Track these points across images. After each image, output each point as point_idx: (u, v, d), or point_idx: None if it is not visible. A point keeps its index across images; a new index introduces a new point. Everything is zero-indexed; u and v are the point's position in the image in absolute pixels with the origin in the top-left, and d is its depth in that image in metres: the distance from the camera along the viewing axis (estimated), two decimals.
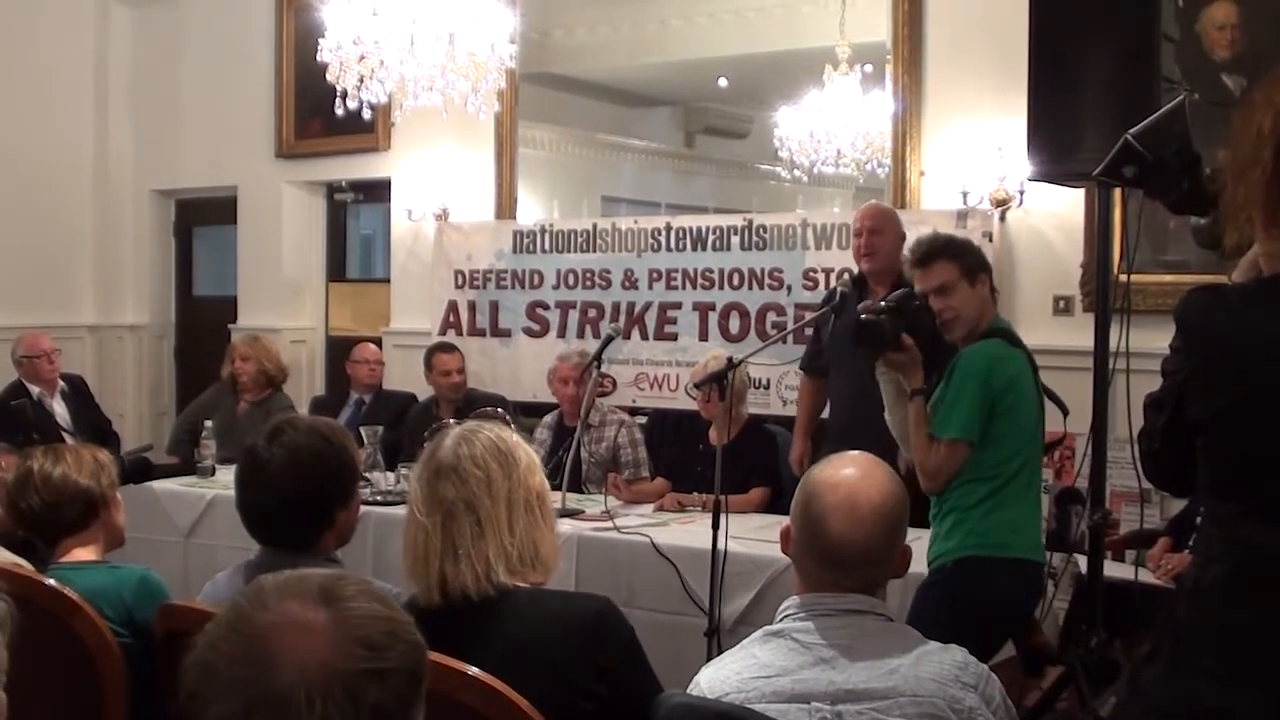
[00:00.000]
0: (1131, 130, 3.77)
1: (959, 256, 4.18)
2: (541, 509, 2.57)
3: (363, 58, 5.85)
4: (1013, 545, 4.03)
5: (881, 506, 2.34)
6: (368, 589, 1.46)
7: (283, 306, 9.29)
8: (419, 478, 2.55)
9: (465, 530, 2.46)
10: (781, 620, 2.36)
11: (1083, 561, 4.38)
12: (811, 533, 2.35)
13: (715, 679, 2.32)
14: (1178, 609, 2.10)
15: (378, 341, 8.33)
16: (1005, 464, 4.04)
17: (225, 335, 8.77)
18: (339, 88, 5.93)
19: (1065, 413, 4.33)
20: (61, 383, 7.84)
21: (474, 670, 2.19)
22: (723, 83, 11.09)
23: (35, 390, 7.55)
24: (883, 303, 4.26)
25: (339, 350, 8.69)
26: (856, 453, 2.49)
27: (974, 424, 4.00)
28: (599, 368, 5.96)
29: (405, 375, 7.99)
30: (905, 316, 4.08)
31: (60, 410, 7.75)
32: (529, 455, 2.60)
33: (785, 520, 2.46)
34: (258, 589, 1.44)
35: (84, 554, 3.28)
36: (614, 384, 7.34)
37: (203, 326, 9.75)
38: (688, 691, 2.35)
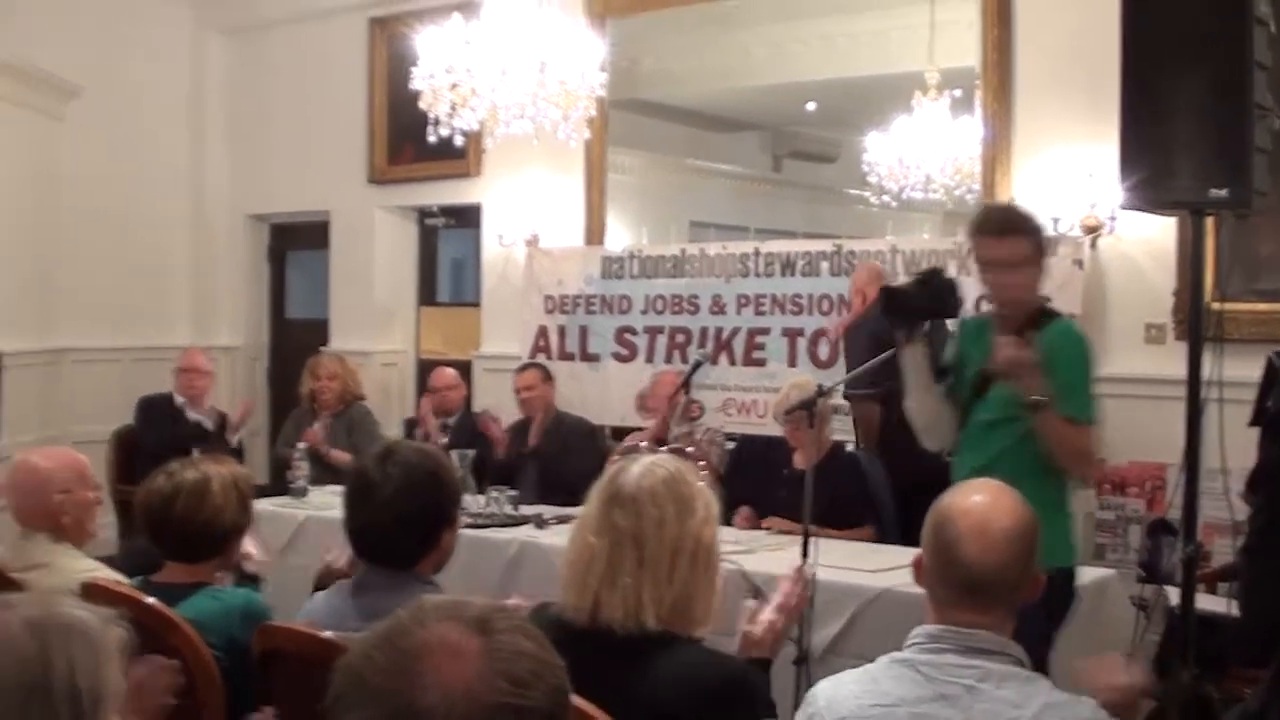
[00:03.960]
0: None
1: (1034, 233, 4.16)
2: (707, 564, 2.55)
3: (455, 86, 5.92)
4: (1068, 556, 4.03)
5: (1012, 529, 2.35)
6: (524, 626, 1.48)
7: (374, 330, 9.42)
8: (597, 497, 2.58)
9: (626, 563, 2.48)
10: (909, 649, 2.35)
11: (1174, 594, 4.33)
12: (944, 559, 2.35)
13: (834, 698, 2.32)
14: None
15: (466, 365, 8.41)
16: None
17: None
18: (431, 115, 6.00)
19: None
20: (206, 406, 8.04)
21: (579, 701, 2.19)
22: (811, 107, 11.09)
23: (180, 401, 7.76)
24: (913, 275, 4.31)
25: (429, 373, 8.78)
26: (984, 479, 2.51)
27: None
28: (688, 393, 5.98)
29: (497, 399, 8.04)
30: (930, 289, 4.11)
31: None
32: (709, 508, 2.59)
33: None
34: (419, 606, 1.47)
35: (184, 575, 3.30)
36: (701, 409, 7.35)
37: (295, 349, 9.83)
38: (804, 703, 2.37)
